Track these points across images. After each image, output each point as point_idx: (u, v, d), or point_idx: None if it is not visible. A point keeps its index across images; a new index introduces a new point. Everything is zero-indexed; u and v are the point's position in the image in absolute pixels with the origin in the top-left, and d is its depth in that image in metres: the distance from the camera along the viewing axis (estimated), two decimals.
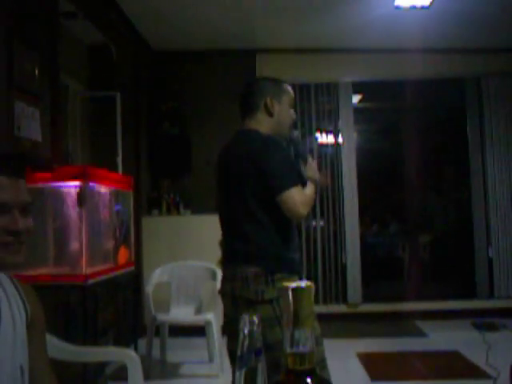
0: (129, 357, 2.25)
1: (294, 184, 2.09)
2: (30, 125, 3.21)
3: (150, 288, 4.26)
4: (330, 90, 6.09)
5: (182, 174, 5.76)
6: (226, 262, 2.24)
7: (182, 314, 4.40)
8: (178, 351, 4.59)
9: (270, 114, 2.26)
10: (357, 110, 6.39)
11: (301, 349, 0.74)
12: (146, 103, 5.75)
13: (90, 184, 3.13)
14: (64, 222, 3.24)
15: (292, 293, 0.73)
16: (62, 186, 3.18)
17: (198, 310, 4.47)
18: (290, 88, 2.34)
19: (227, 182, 2.24)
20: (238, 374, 0.78)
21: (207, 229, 5.42)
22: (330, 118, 6.13)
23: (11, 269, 1.21)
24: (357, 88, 6.25)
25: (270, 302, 2.02)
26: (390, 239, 8.72)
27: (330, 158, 6.12)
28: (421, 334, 5.35)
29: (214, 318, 4.12)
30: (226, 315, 2.21)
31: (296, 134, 2.43)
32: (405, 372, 4.23)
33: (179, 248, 5.21)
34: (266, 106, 2.25)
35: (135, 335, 4.16)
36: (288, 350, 0.74)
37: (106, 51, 5.02)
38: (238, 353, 0.78)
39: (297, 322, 0.73)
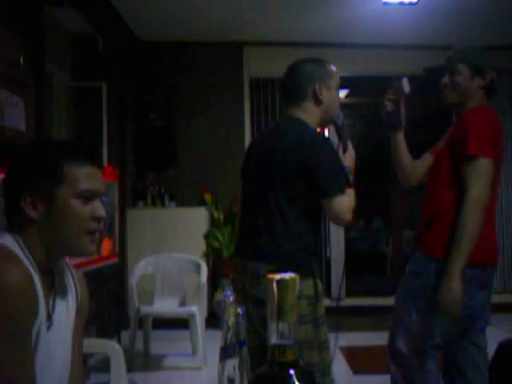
0: (111, 348, 2.25)
1: (343, 189, 1.98)
2: (14, 114, 3.17)
3: (133, 280, 4.25)
4: None
5: (167, 166, 5.73)
6: (240, 253, 2.13)
7: (165, 306, 4.40)
8: (162, 343, 4.58)
9: (319, 102, 2.08)
10: (343, 105, 6.39)
11: (284, 341, 0.74)
12: (132, 94, 5.72)
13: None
14: None
15: (276, 285, 0.73)
16: None
17: (182, 303, 4.46)
18: (334, 68, 2.17)
19: (261, 172, 2.07)
20: (220, 364, 0.78)
21: (192, 221, 5.42)
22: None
23: (89, 256, 1.30)
24: (343, 83, 6.25)
25: None
26: (374, 234, 8.77)
27: None
28: None
29: (197, 310, 4.12)
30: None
31: (341, 117, 2.20)
32: (386, 365, 4.26)
33: (164, 240, 5.20)
34: (314, 93, 2.07)
35: (118, 327, 4.15)
36: (272, 341, 0.74)
37: (92, 41, 4.97)
38: (222, 344, 0.79)
39: (281, 314, 0.73)
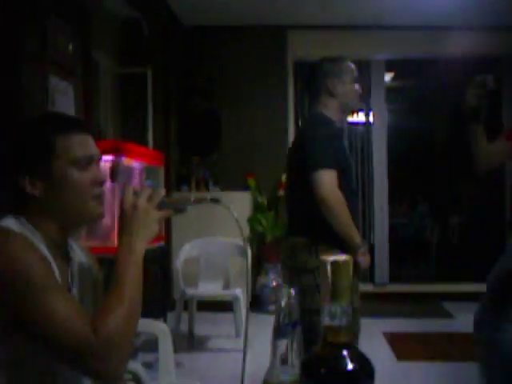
0: (160, 329, 2.30)
1: (324, 166, 2.18)
2: (64, 99, 3.24)
3: (179, 263, 4.31)
4: (361, 68, 6.00)
5: (211, 151, 5.77)
6: (285, 233, 2.51)
7: (210, 288, 4.45)
8: (206, 325, 4.65)
9: (333, 95, 2.36)
10: (388, 88, 6.30)
11: (338, 322, 0.74)
12: (176, 79, 5.76)
13: (123, 159, 3.16)
14: None
15: (331, 266, 0.73)
16: None
17: (226, 286, 4.51)
18: (351, 65, 2.43)
19: (292, 162, 2.41)
20: (274, 344, 0.79)
21: (236, 205, 5.43)
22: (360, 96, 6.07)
23: (99, 220, 1.30)
24: (389, 66, 6.15)
25: (311, 271, 2.17)
26: (419, 220, 8.64)
27: (360, 136, 6.07)
28: (447, 315, 5.32)
29: (241, 293, 4.16)
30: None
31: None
32: (430, 352, 4.22)
33: (207, 224, 5.25)
34: (327, 88, 2.35)
35: (164, 309, 4.21)
36: (326, 322, 0.74)
37: (137, 26, 5.02)
38: (275, 324, 0.79)
39: (335, 295, 0.73)
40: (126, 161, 3.22)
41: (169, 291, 4.82)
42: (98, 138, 3.90)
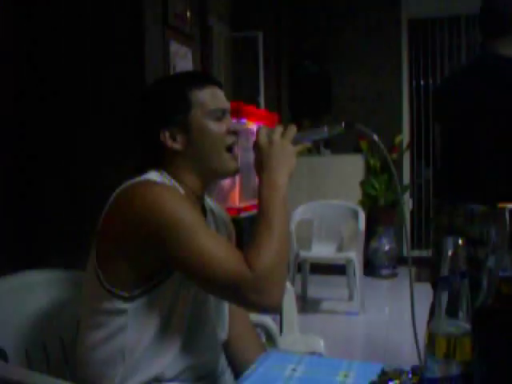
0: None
1: None
2: (183, 64, 3.32)
3: (292, 225, 4.34)
4: None
5: (322, 113, 5.71)
6: (444, 193, 2.13)
7: (323, 251, 4.46)
8: (319, 288, 4.68)
9: None
10: None
11: None
12: (287, 42, 5.72)
13: (242, 121, 3.21)
14: None
15: (509, 214, 0.69)
16: None
17: (339, 249, 4.50)
18: None
19: (476, 115, 2.01)
20: (440, 295, 0.77)
21: (347, 168, 5.38)
22: None
23: (235, 174, 1.33)
24: None
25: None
26: None
27: None
28: None
29: (355, 256, 4.13)
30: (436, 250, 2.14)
31: None
32: None
33: (319, 187, 5.24)
34: None
35: None
36: (499, 274, 0.71)
37: None
38: (442, 274, 0.77)
39: None
40: (246, 123, 3.26)
41: None
42: None
